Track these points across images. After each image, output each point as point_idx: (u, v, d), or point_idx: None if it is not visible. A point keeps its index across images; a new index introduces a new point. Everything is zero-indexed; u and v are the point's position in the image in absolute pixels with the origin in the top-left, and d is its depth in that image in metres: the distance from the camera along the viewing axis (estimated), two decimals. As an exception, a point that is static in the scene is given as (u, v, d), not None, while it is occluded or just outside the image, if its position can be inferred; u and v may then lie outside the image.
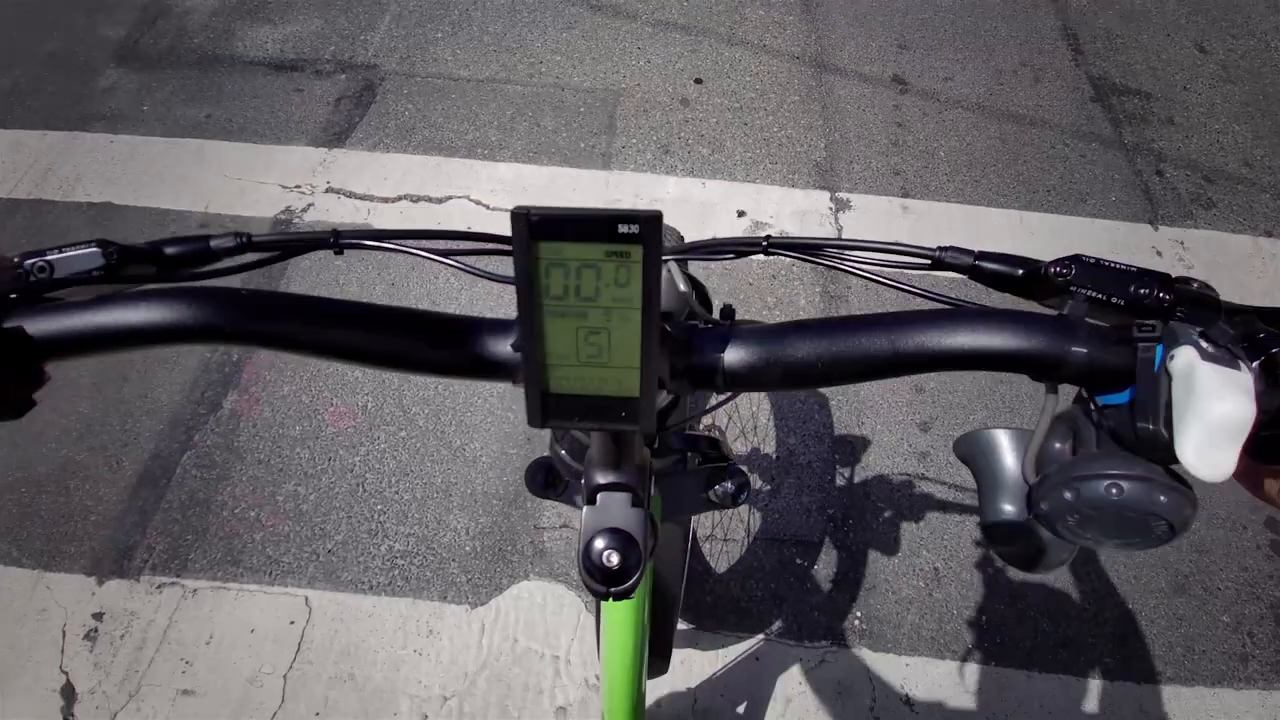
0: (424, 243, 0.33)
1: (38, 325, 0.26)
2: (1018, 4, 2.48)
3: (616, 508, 0.30)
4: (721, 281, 1.72)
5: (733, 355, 0.27)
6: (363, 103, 2.07)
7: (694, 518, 1.37)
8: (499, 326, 0.29)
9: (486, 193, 1.86)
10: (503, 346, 0.28)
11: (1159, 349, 0.23)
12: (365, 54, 2.21)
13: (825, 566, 1.36)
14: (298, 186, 1.87)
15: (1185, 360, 0.21)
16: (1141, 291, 0.27)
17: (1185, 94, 2.24)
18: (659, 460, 0.50)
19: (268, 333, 0.28)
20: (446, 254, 0.35)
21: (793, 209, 1.86)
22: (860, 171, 1.96)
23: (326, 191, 1.86)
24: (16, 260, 0.29)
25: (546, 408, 0.25)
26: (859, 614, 1.30)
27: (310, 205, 1.83)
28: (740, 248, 0.36)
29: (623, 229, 0.21)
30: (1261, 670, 1.32)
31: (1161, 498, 0.22)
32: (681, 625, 1.26)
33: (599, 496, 0.31)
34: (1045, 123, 2.10)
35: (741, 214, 1.85)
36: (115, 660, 1.22)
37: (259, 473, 1.41)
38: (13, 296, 0.27)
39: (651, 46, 2.26)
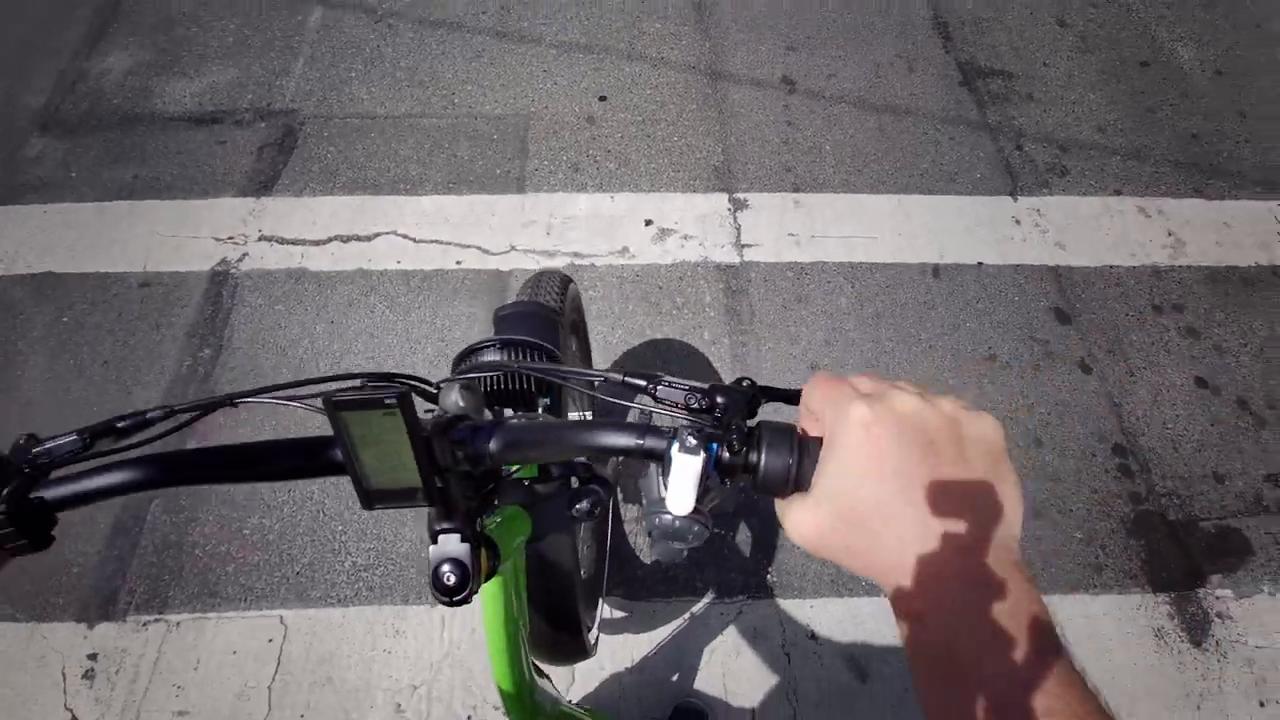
0: (304, 389, 0.49)
1: (52, 493, 0.42)
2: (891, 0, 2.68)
3: (451, 544, 0.45)
4: (634, 287, 1.90)
5: (494, 445, 0.45)
6: (285, 149, 2.18)
7: (623, 505, 1.55)
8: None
9: (412, 226, 2.00)
10: (339, 456, 0.44)
11: (672, 442, 0.40)
12: (283, 100, 2.30)
13: (741, 533, 1.56)
14: (231, 238, 1.98)
15: (672, 450, 0.39)
16: (690, 401, 0.44)
17: (1045, 69, 2.47)
18: (544, 486, 0.67)
19: (188, 478, 0.45)
20: (304, 398, 0.50)
21: (695, 214, 2.03)
22: (755, 171, 2.14)
23: (259, 240, 1.97)
24: (23, 442, 0.44)
25: (369, 498, 0.41)
26: (770, 569, 1.51)
27: (245, 255, 1.94)
28: (495, 370, 0.55)
29: (388, 401, 0.37)
30: (1115, 577, 1.56)
31: (676, 523, 0.41)
32: (617, 612, 1.45)
33: (439, 537, 0.46)
34: (918, 110, 2.31)
35: (649, 223, 2.02)
36: (113, 694, 1.36)
37: (225, 511, 1.55)
38: (28, 471, 0.42)
39: (557, 68, 2.41)
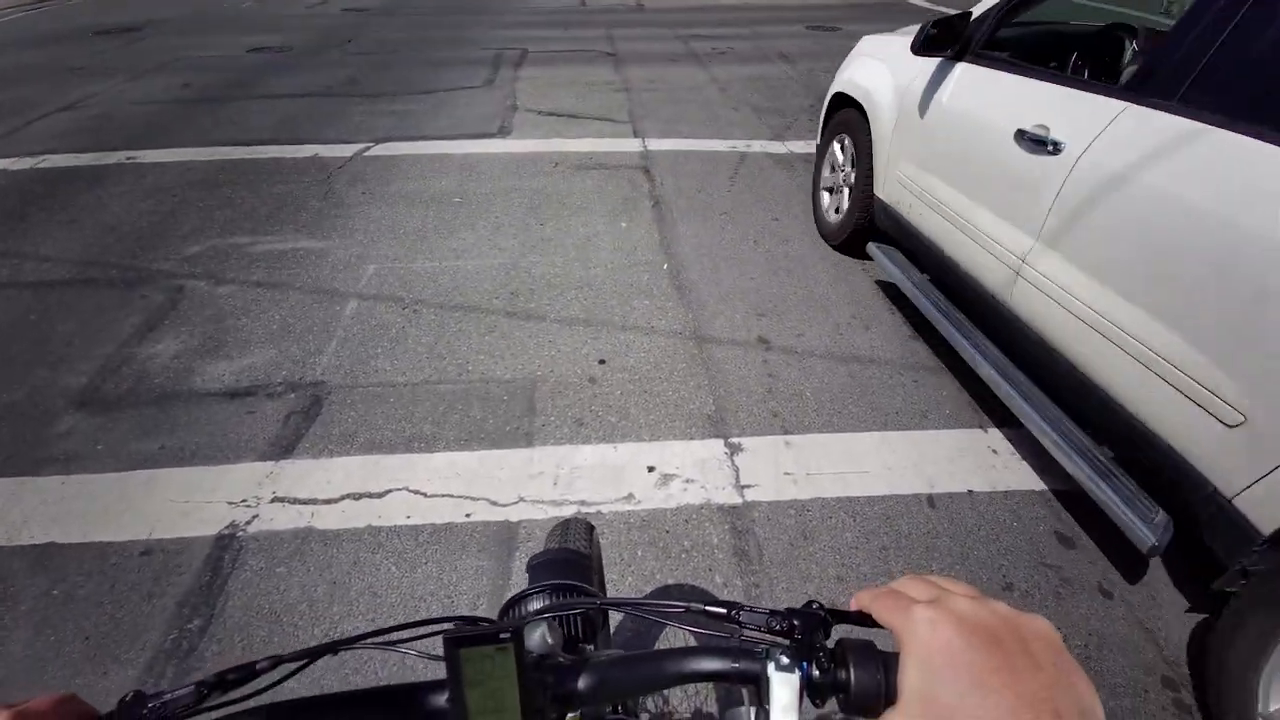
0: (405, 633, 0.52)
1: None
2: (839, 271, 3.23)
3: None
4: (641, 533, 1.91)
5: (587, 682, 0.47)
6: (310, 416, 2.34)
7: None
8: (436, 686, 0.47)
9: (424, 481, 2.07)
10: (440, 701, 0.46)
11: (767, 662, 0.42)
12: (314, 374, 2.55)
13: None
14: (244, 501, 2.02)
15: (769, 669, 0.41)
16: (772, 624, 0.46)
17: (980, 324, 2.88)
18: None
19: None
20: (404, 641, 0.53)
21: (694, 459, 2.16)
22: (745, 419, 2.33)
23: (271, 502, 2.01)
24: (129, 699, 0.45)
25: None
26: None
27: (255, 517, 1.96)
28: (578, 608, 0.59)
29: (502, 636, 0.41)
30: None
31: None
32: None
33: None
34: (881, 360, 2.62)
35: (651, 469, 2.12)
36: None
37: None
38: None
39: (560, 338, 2.75)
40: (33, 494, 2.06)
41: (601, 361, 2.62)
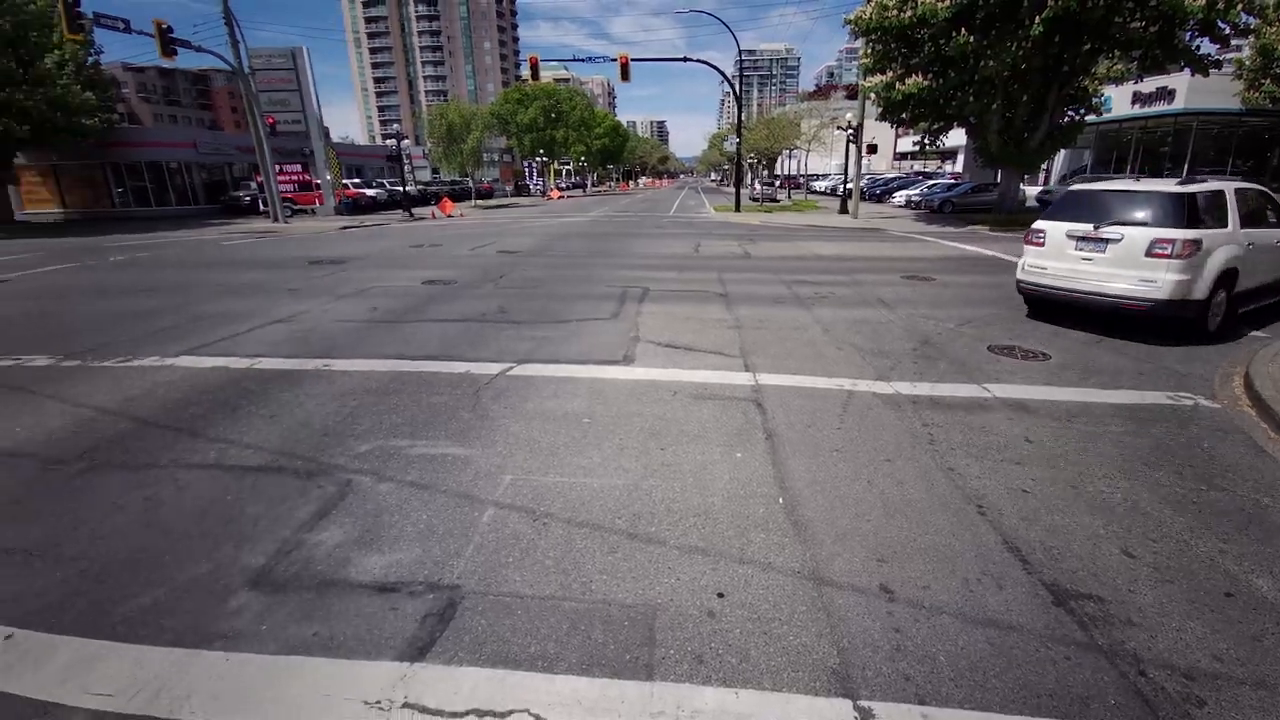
0: None
1: None
2: (961, 521, 3.16)
3: None
4: None
5: None
6: (445, 619, 2.49)
7: None
8: None
9: (545, 705, 2.08)
10: None
11: None
12: (451, 576, 2.75)
13: None
14: (378, 703, 2.10)
15: None
16: None
17: (1132, 595, 2.66)
18: None
19: None
20: None
21: None
22: (873, 678, 2.21)
23: (403, 707, 2.08)
24: None
25: None
26: None
27: (386, 722, 2.03)
28: None
29: None
30: None
31: None
32: None
33: None
34: (1021, 627, 2.45)
35: (775, 725, 2.02)
36: None
37: None
38: None
39: (679, 566, 2.82)
40: (199, 668, 2.26)
41: (720, 595, 2.64)
